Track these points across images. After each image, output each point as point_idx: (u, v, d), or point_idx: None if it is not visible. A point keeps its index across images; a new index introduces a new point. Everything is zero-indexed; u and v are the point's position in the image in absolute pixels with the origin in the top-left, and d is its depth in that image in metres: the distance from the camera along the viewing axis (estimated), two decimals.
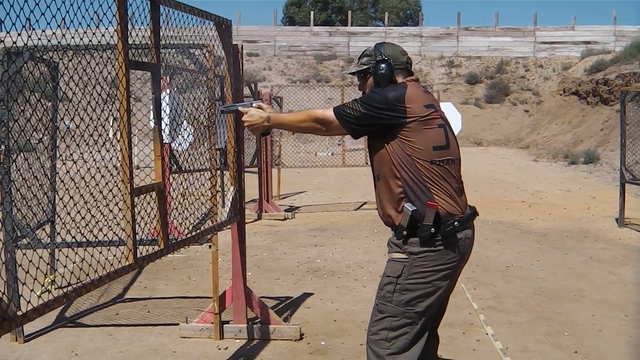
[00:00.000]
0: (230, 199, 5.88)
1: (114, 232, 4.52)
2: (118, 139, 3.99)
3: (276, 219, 13.53)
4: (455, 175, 3.96)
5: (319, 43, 44.90)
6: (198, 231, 5.27)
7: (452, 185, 3.92)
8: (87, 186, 3.99)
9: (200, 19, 5.25)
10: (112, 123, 4.08)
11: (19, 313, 3.15)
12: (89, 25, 3.79)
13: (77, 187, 3.95)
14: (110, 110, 4.10)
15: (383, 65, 4.04)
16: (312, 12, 47.70)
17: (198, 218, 5.79)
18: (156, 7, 4.37)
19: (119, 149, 4.01)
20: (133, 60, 4.21)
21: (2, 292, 3.05)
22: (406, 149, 3.86)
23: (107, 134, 4.10)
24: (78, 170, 3.98)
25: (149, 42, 4.42)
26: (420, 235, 3.83)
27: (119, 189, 4.09)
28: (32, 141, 5.63)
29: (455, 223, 3.86)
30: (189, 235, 5.05)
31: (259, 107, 4.27)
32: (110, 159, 4.18)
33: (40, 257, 3.95)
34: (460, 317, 6.91)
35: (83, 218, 4.12)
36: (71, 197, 3.93)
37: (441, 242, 3.85)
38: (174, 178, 6.70)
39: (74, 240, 4.48)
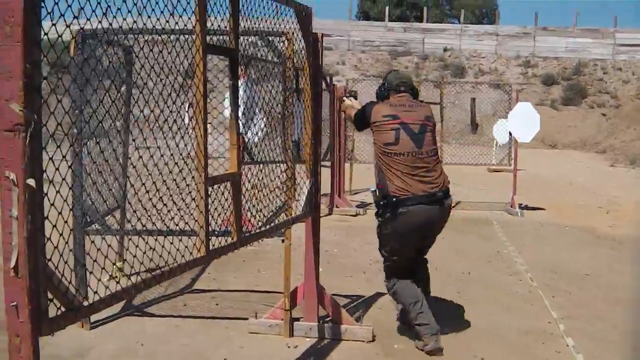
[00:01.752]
0: (306, 193, 5.70)
1: (185, 222, 4.37)
2: (193, 125, 3.84)
3: (347, 214, 13.31)
4: (405, 164, 5.84)
5: (393, 39, 44.51)
6: (272, 224, 5.10)
7: (401, 171, 5.84)
8: (160, 174, 3.83)
9: (278, 7, 5.07)
10: (188, 109, 3.92)
11: (85, 303, 3.01)
12: (164, 9, 3.64)
13: (150, 174, 3.79)
14: (186, 96, 3.94)
15: (379, 88, 6.44)
16: (387, 8, 47.33)
17: (272, 211, 5.61)
18: None
19: (195, 137, 3.86)
20: (211, 44, 4.06)
21: (67, 280, 2.90)
22: (374, 143, 6.08)
23: (183, 120, 3.93)
24: (151, 156, 3.81)
25: (228, 27, 4.26)
26: (377, 206, 6.12)
27: (193, 178, 3.94)
28: (104, 126, 5.51)
29: (394, 199, 5.83)
30: (262, 229, 4.88)
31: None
32: (185, 145, 4.00)
33: (109, 245, 3.80)
34: (539, 326, 6.65)
35: (154, 206, 3.95)
36: (143, 184, 3.77)
37: (389, 212, 5.92)
38: (249, 169, 6.54)
39: (144, 228, 4.33)
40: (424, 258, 6.58)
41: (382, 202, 5.96)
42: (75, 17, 2.96)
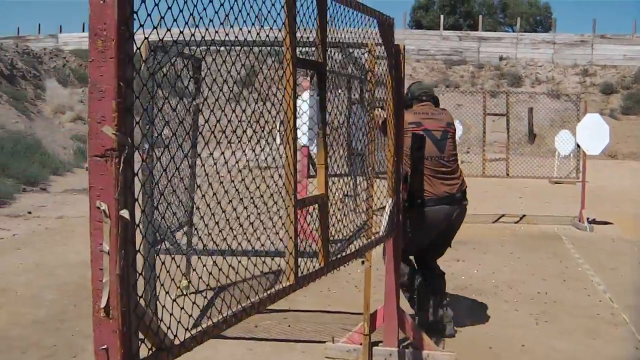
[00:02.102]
0: (388, 212, 5.42)
1: (271, 241, 4.11)
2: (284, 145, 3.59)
3: None
4: (429, 168, 6.44)
5: (448, 47, 43.87)
6: (359, 247, 4.81)
7: (425, 174, 6.41)
8: (246, 190, 3.57)
9: (359, 18, 4.80)
10: (279, 127, 3.65)
11: (177, 342, 2.77)
12: (255, 22, 3.39)
13: (236, 189, 3.53)
14: (278, 112, 3.67)
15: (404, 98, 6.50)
16: (442, 16, 46.82)
17: (352, 230, 5.33)
18: (323, 1, 3.96)
19: (285, 156, 3.61)
20: (300, 58, 3.80)
21: (159, 318, 2.66)
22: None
23: (274, 140, 3.67)
24: (243, 175, 3.55)
25: (315, 39, 4.01)
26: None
27: (282, 198, 3.68)
28: (174, 140, 5.30)
29: (419, 200, 6.39)
30: (347, 253, 4.59)
31: None
32: (276, 164, 3.73)
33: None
34: (626, 353, 6.30)
35: (241, 223, 3.69)
36: (230, 200, 3.51)
37: (415, 210, 6.38)
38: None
39: (230, 246, 4.06)
40: (441, 271, 7.11)
41: (406, 204, 6.35)
42: (168, 30, 2.72)
